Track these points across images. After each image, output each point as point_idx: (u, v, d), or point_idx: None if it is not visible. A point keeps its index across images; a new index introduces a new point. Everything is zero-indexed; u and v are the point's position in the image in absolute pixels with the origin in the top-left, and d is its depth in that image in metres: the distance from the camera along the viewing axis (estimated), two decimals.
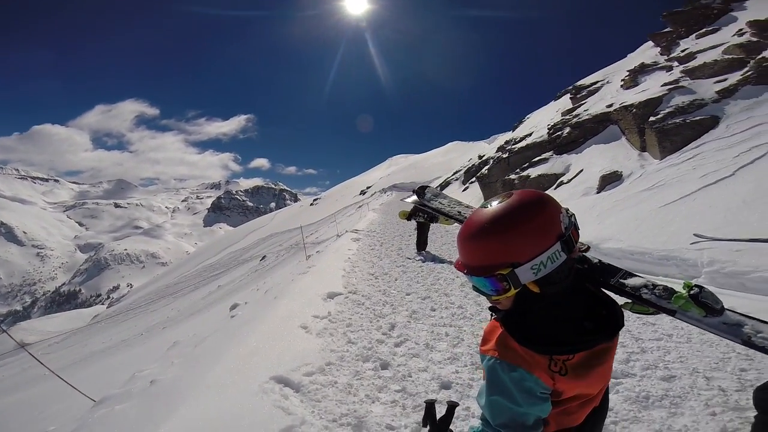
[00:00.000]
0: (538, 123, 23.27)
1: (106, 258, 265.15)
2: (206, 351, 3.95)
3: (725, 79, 11.96)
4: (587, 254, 1.22)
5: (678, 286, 1.15)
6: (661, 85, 13.49)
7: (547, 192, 14.24)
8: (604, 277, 1.18)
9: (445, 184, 39.59)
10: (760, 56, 11.74)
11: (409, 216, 9.01)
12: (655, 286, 1.15)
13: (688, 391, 2.54)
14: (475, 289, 1.02)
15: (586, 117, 16.37)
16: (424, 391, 2.83)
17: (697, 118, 11.18)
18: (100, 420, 2.86)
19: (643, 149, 12.45)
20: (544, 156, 17.24)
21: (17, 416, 5.22)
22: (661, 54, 16.98)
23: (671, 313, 1.10)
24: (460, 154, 76.30)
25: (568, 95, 22.13)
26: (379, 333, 3.99)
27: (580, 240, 1.24)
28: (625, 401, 2.48)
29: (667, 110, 12.02)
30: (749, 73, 11.49)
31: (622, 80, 17.22)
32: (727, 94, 11.42)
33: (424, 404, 1.32)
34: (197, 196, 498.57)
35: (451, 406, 1.28)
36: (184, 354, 4.23)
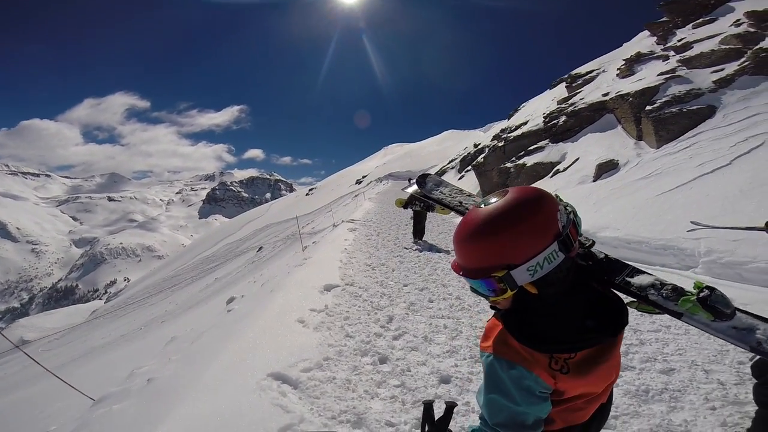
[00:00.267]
0: (534, 111, 23.24)
1: (102, 252, 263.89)
2: (203, 347, 3.92)
3: (722, 69, 12.05)
4: (593, 249, 1.17)
5: (688, 282, 1.10)
6: (658, 75, 13.54)
7: (543, 179, 14.33)
8: (610, 274, 1.13)
9: (441, 173, 39.53)
10: (757, 47, 11.84)
11: (405, 204, 8.98)
12: (663, 285, 1.10)
13: (687, 385, 2.54)
14: (473, 290, 1.00)
15: (582, 105, 16.42)
16: (423, 386, 2.82)
17: (694, 107, 11.27)
18: (98, 420, 2.84)
19: (639, 138, 12.53)
20: (540, 144, 17.31)
21: (18, 415, 5.19)
22: (658, 43, 16.98)
23: (677, 315, 1.05)
24: (456, 142, 76.07)
25: (564, 84, 22.17)
26: (377, 326, 3.97)
27: (584, 234, 1.19)
28: (625, 395, 2.47)
29: (664, 99, 12.10)
30: (746, 63, 11.58)
31: (618, 69, 17.21)
32: (723, 83, 11.51)
33: (422, 404, 1.30)
34: (192, 188, 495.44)
35: (450, 407, 1.26)
36: (181, 350, 4.21)
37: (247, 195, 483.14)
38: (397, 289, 5.33)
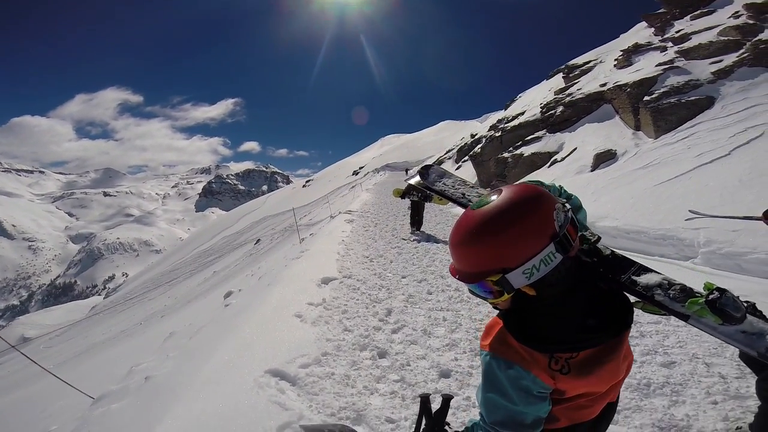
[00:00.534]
0: (531, 102, 23.27)
1: (99, 248, 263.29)
2: (201, 343, 3.89)
3: (721, 61, 12.08)
4: (599, 245, 1.12)
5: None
6: (656, 65, 13.58)
7: (540, 169, 14.31)
8: (615, 272, 1.08)
9: (438, 163, 39.47)
10: (756, 38, 11.89)
11: (403, 194, 8.93)
12: (671, 285, 1.04)
13: (688, 378, 2.52)
14: (472, 291, 0.99)
15: (580, 96, 16.47)
16: (423, 381, 2.79)
17: (693, 98, 11.31)
18: (97, 420, 2.83)
19: (637, 128, 12.61)
20: (537, 134, 17.40)
21: (19, 415, 5.18)
22: (655, 35, 16.98)
23: (684, 318, 1.01)
24: (453, 133, 75.92)
25: (561, 74, 22.18)
26: (376, 319, 3.93)
27: (589, 229, 1.14)
28: (627, 388, 2.45)
29: (662, 90, 12.14)
30: (745, 54, 11.62)
31: (615, 60, 17.21)
32: (722, 75, 11.55)
33: (419, 398, 1.30)
34: (187, 182, 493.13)
35: (446, 399, 1.29)
36: (179, 346, 4.19)
37: (243, 187, 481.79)
38: (396, 281, 5.29)
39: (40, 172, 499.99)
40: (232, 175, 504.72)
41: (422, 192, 8.70)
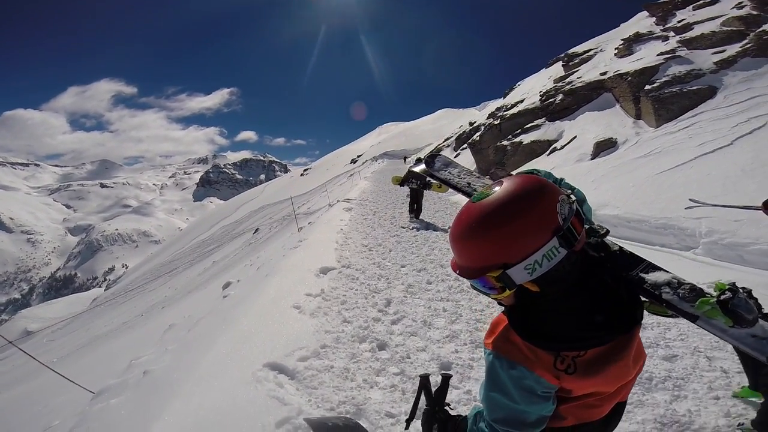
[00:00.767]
0: (530, 90, 23.25)
1: (98, 239, 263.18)
2: (199, 336, 3.87)
3: (724, 51, 12.06)
4: (607, 240, 1.06)
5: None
6: (657, 54, 13.56)
7: (540, 157, 14.26)
8: (623, 268, 1.02)
9: (437, 151, 39.33)
10: (760, 29, 11.85)
11: (402, 182, 8.86)
12: (680, 284, 0.98)
13: (690, 373, 2.49)
14: (473, 287, 0.95)
15: (580, 84, 16.46)
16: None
17: (695, 87, 11.31)
18: (96, 415, 2.81)
19: (638, 117, 12.65)
20: (536, 122, 17.41)
21: (20, 411, 5.19)
22: (657, 24, 16.92)
23: (692, 319, 0.95)
24: (451, 121, 75.55)
25: (560, 63, 22.14)
26: (375, 310, 3.89)
27: (597, 223, 1.08)
28: None
29: (664, 79, 12.15)
30: (749, 45, 11.62)
31: (616, 49, 17.16)
32: (725, 65, 11.54)
33: (418, 378, 1.29)
34: (185, 172, 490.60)
35: (446, 378, 1.28)
36: (178, 339, 4.17)
37: (241, 177, 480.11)
38: (395, 271, 5.25)
39: (36, 165, 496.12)
40: (229, 164, 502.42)
41: (421, 179, 8.63)
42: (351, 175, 36.00)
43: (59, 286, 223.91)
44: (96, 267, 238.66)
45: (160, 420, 2.35)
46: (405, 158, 44.45)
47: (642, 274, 1.01)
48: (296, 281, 4.67)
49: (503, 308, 1.00)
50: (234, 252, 17.16)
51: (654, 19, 17.39)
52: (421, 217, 8.89)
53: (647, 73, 12.86)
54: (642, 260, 1.04)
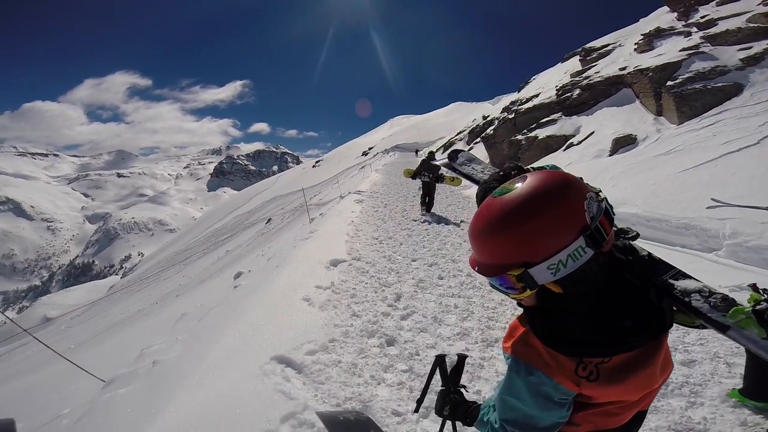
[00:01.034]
0: (545, 84, 22.98)
1: (115, 228, 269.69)
2: (209, 326, 3.88)
3: (750, 47, 11.64)
4: (635, 244, 0.97)
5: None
6: (680, 50, 13.19)
7: (556, 152, 14.00)
8: (650, 275, 0.94)
9: (449, 145, 38.96)
10: None
11: (414, 174, 8.77)
12: (711, 293, 0.91)
13: (708, 379, 2.39)
14: (492, 286, 0.90)
15: (598, 79, 16.15)
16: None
17: (719, 84, 10.97)
18: (105, 405, 2.83)
19: (659, 113, 12.31)
20: (552, 117, 17.18)
21: (34, 398, 5.32)
22: (678, 19, 16.45)
23: (723, 329, 0.88)
24: (463, 114, 74.71)
25: (578, 57, 21.89)
26: (385, 305, 3.83)
27: (626, 225, 0.99)
28: None
29: (687, 75, 11.80)
30: None
31: (635, 44, 16.77)
32: (752, 62, 11.15)
33: (434, 358, 1.27)
34: (199, 162, 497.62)
35: (462, 358, 1.25)
36: (189, 328, 4.20)
37: (254, 168, 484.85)
38: (405, 265, 5.18)
39: (55, 155, 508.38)
40: (242, 155, 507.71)
41: (433, 172, 8.53)
42: (362, 167, 35.92)
43: (78, 274, 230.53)
44: (113, 255, 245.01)
45: (165, 412, 2.35)
46: (417, 151, 44.11)
47: (671, 281, 0.93)
48: (306, 273, 4.65)
49: (522, 309, 0.95)
50: (247, 242, 17.32)
51: (675, 14, 16.96)
52: (432, 211, 8.78)
53: (669, 69, 12.51)
54: (672, 267, 0.96)
